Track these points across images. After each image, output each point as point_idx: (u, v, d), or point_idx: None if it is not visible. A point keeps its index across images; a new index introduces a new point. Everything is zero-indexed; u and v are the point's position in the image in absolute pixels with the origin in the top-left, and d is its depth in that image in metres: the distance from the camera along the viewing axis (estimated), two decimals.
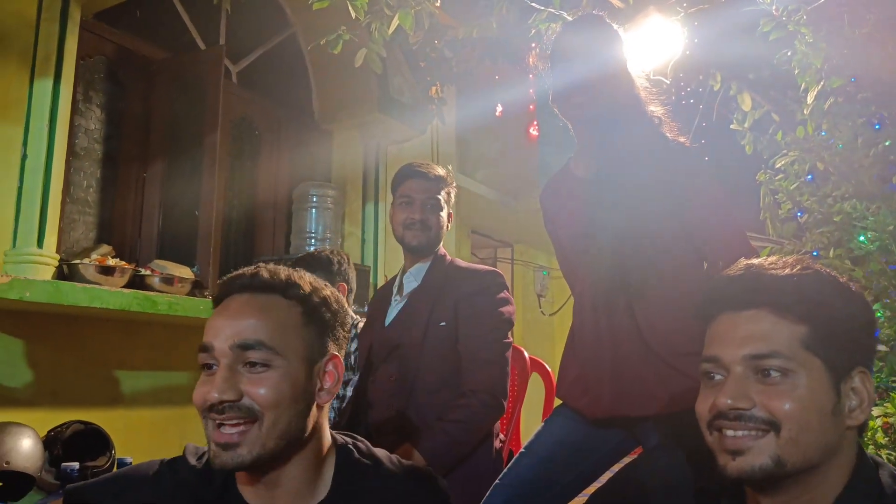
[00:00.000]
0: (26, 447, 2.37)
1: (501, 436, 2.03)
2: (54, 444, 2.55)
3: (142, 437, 3.03)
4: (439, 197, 2.03)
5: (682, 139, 1.64)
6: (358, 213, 4.40)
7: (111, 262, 2.85)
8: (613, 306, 1.55)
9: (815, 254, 2.92)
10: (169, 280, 2.99)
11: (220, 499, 1.06)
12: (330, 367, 1.07)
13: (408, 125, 4.35)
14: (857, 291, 0.97)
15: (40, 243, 2.64)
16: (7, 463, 2.28)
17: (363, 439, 1.16)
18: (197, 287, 3.17)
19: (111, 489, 1.08)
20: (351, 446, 1.12)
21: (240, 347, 1.00)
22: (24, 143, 2.69)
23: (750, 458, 0.91)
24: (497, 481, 1.67)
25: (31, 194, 2.66)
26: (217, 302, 1.07)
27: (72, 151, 3.02)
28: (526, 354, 2.30)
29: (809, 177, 2.89)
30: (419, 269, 2.04)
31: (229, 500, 1.06)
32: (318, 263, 2.49)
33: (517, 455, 1.70)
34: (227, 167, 3.73)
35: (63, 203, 2.82)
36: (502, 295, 1.99)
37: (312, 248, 3.84)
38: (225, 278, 1.08)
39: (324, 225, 3.93)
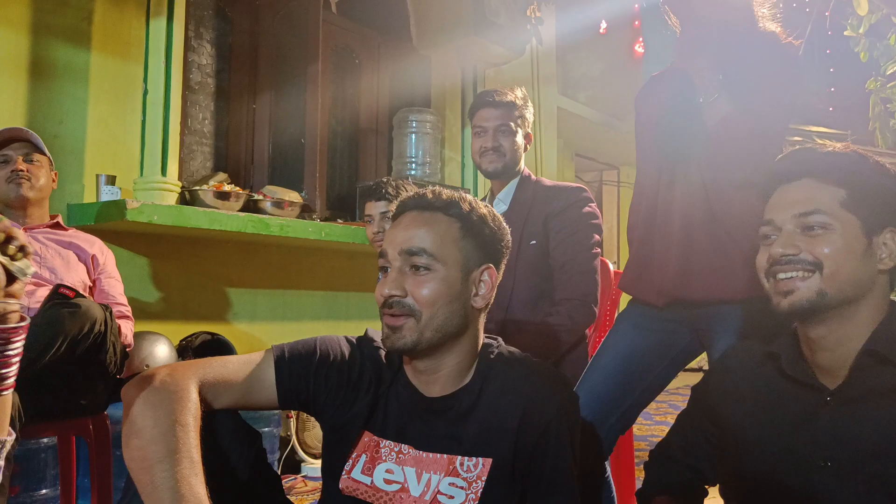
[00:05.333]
0: (162, 353, 2.68)
1: None
2: (185, 351, 2.86)
3: (261, 348, 3.32)
4: (511, 123, 2.10)
5: (794, 41, 1.61)
6: (457, 138, 4.47)
7: (227, 188, 3.08)
8: (689, 189, 1.60)
9: None
10: (279, 204, 3.20)
11: (395, 377, 1.28)
12: (485, 276, 1.25)
13: (505, 47, 4.32)
14: (890, 169, 1.17)
15: (164, 172, 2.88)
16: (147, 366, 2.58)
17: (501, 341, 1.33)
18: (305, 210, 3.38)
19: (314, 350, 1.28)
20: (490, 343, 1.30)
21: (407, 253, 1.19)
22: (145, 80, 2.92)
23: (799, 295, 1.14)
24: None
25: (154, 127, 2.89)
26: (394, 218, 1.28)
27: (187, 86, 3.24)
28: (611, 267, 2.34)
29: None
30: (506, 192, 2.14)
31: (399, 379, 1.28)
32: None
33: (586, 370, 1.75)
34: (330, 95, 3.87)
35: (182, 134, 3.05)
36: (588, 209, 2.05)
37: (413, 173, 3.97)
38: (400, 198, 1.29)
39: (423, 150, 4.03)
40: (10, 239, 1.02)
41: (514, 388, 1.23)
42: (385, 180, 2.40)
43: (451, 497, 1.19)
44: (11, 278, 1.02)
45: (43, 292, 2.01)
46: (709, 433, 1.34)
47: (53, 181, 2.30)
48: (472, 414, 1.23)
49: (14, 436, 1.10)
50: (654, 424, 4.58)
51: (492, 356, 1.27)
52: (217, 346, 2.94)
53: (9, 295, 1.02)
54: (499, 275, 1.27)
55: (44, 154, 2.24)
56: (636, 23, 6.08)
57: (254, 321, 3.39)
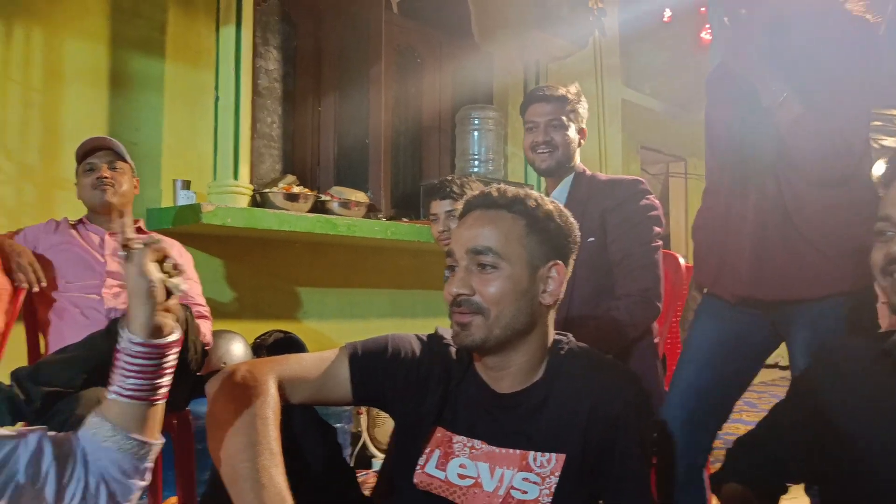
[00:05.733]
0: (238, 351, 2.76)
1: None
2: (259, 349, 2.93)
3: (330, 345, 3.38)
4: (563, 117, 2.07)
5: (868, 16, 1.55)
6: (520, 133, 4.40)
7: (296, 189, 3.15)
8: (763, 186, 1.55)
9: None
10: (346, 204, 3.25)
11: (465, 373, 1.29)
12: (553, 272, 1.24)
13: (568, 40, 4.29)
14: None
15: (236, 175, 2.97)
16: (224, 363, 2.66)
17: (571, 337, 1.32)
18: (371, 210, 3.42)
19: (386, 348, 1.31)
20: (561, 340, 1.30)
21: (473, 252, 1.20)
22: (216, 87, 3.01)
23: None
24: (670, 393, 1.73)
25: (225, 132, 2.98)
26: (460, 217, 1.29)
27: (255, 91, 3.32)
28: (682, 261, 2.30)
29: None
30: (560, 190, 2.12)
31: (470, 375, 1.29)
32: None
33: (676, 368, 1.75)
34: (393, 95, 3.91)
35: (252, 139, 3.13)
36: (645, 201, 2.02)
37: (476, 170, 3.97)
38: (465, 197, 1.30)
39: (486, 147, 4.03)
40: (165, 258, 1.07)
41: (582, 384, 1.23)
42: (449, 178, 2.41)
43: (525, 492, 1.19)
44: (167, 295, 1.06)
45: None
46: (807, 427, 1.30)
47: (135, 187, 2.40)
48: (542, 410, 1.23)
49: (164, 440, 1.14)
50: (729, 422, 4.46)
51: (562, 352, 1.27)
52: (289, 344, 3.00)
53: (165, 310, 1.06)
54: (568, 270, 1.27)
55: (126, 161, 2.33)
56: (702, 9, 5.93)
57: (323, 319, 3.46)
